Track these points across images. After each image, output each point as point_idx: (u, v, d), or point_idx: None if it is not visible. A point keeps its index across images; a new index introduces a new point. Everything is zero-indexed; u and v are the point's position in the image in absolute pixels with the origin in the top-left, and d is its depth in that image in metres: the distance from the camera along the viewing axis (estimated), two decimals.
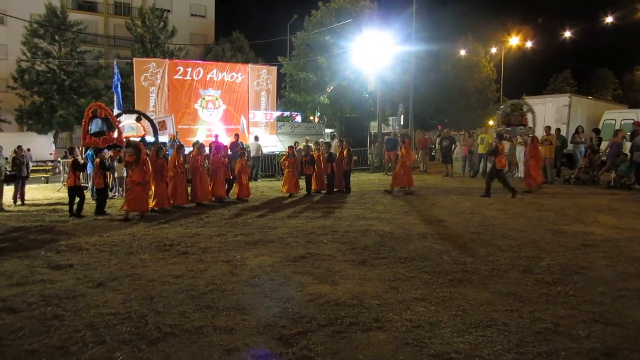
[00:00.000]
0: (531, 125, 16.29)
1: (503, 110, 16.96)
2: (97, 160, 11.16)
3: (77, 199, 10.68)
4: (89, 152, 12.99)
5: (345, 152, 13.82)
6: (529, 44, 40.54)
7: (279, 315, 4.36)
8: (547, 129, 15.01)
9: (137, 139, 12.75)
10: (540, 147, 14.85)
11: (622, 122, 16.96)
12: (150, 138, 14.32)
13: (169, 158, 11.60)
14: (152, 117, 17.32)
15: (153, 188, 10.83)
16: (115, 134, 12.22)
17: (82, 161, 11.58)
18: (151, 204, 10.69)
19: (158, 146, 11.39)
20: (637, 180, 13.27)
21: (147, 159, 10.37)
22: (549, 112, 18.20)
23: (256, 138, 19.52)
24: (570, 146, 16.62)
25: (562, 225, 8.37)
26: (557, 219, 9.02)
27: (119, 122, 13.12)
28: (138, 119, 13.79)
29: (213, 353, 3.61)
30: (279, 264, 6.11)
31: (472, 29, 45.02)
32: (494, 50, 43.70)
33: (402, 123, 27.75)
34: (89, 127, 11.89)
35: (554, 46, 42.83)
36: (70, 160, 10.82)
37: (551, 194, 12.48)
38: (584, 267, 5.80)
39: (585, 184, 14.40)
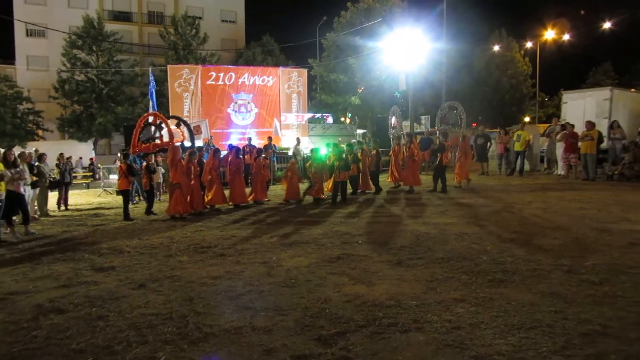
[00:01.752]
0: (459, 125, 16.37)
1: (441, 110, 16.90)
2: (144, 164, 11.72)
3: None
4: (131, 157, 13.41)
5: (374, 152, 13.87)
6: (565, 37, 39.35)
7: (317, 315, 4.36)
8: (588, 124, 14.50)
9: (177, 144, 13.14)
10: (581, 143, 14.44)
11: None
12: (188, 143, 14.66)
13: (205, 162, 11.88)
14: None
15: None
16: (166, 139, 12.63)
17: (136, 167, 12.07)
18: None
19: (191, 150, 11.69)
20: None
21: (181, 161, 10.68)
22: (589, 106, 17.57)
23: (298, 141, 19.59)
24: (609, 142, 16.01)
25: (606, 224, 8.06)
26: (601, 217, 8.69)
27: (162, 127, 13.60)
28: (177, 125, 14.18)
29: (253, 353, 3.64)
30: (314, 264, 6.11)
31: (505, 23, 44.11)
32: (529, 44, 42.61)
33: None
34: (140, 136, 12.34)
35: (592, 38, 41.46)
36: (123, 165, 11.30)
37: (594, 191, 12.05)
38: (632, 267, 5.56)
39: (630, 180, 13.84)
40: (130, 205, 12.76)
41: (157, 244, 7.79)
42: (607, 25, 30.64)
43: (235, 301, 4.81)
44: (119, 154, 21.82)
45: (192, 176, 11.02)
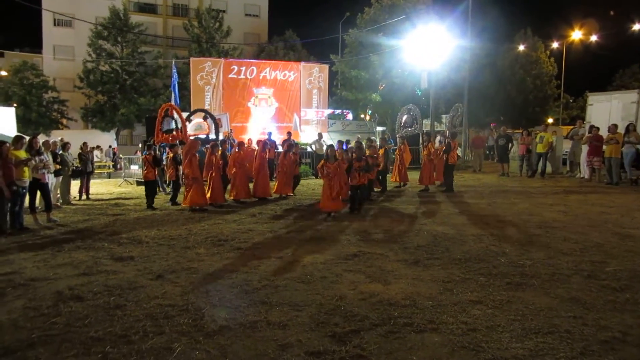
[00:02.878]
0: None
1: (453, 111, 16.90)
2: (171, 154, 12.06)
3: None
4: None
5: (381, 151, 13.77)
6: (593, 38, 38.48)
7: (332, 312, 4.36)
8: (613, 127, 14.17)
9: (203, 136, 13.44)
10: (605, 146, 14.12)
11: None
12: (213, 136, 14.86)
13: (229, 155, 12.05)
14: None
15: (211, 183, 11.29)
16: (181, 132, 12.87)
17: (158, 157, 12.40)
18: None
19: (214, 143, 11.91)
20: None
21: (195, 155, 10.79)
22: (614, 109, 17.17)
23: (320, 136, 19.54)
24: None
25: (629, 229, 7.89)
26: (624, 222, 8.51)
27: (190, 120, 13.86)
28: (204, 118, 14.35)
29: (267, 348, 3.66)
30: (330, 261, 6.11)
31: (531, 23, 43.27)
32: (555, 45, 41.78)
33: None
34: (162, 126, 12.58)
35: (620, 40, 40.44)
36: (149, 156, 11.64)
37: (617, 196, 11.80)
38: None
39: None
40: None
41: (176, 235, 7.88)
42: (636, 26, 29.79)
43: (251, 295, 4.84)
44: (140, 145, 22.13)
45: (214, 168, 11.19)
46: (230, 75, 22.42)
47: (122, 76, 35.65)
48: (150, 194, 11.38)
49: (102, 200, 13.11)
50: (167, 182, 14.19)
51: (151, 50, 38.73)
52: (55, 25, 43.30)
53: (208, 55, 33.36)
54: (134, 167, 18.72)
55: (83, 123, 38.59)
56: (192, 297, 4.78)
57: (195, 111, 14.61)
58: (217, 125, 14.42)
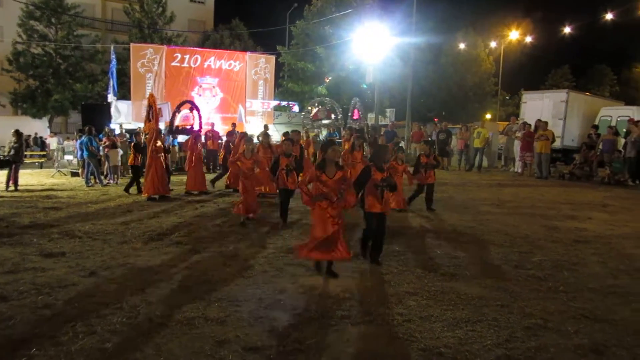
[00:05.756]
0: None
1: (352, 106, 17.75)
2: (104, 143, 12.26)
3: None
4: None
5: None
6: (528, 39, 40.48)
7: (271, 307, 4.37)
8: (544, 124, 15.01)
9: (188, 127, 13.50)
10: (536, 142, 14.93)
11: (618, 119, 16.96)
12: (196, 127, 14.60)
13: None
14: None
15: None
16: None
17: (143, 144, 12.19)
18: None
19: (196, 134, 12.23)
20: (631, 177, 13.36)
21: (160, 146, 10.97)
22: (546, 107, 18.16)
23: (265, 127, 19.27)
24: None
25: (555, 221, 8.41)
26: (550, 214, 9.06)
27: (180, 110, 13.72)
28: (190, 110, 14.00)
29: (204, 345, 3.61)
30: (272, 255, 6.11)
31: (472, 22, 44.78)
32: (493, 44, 43.54)
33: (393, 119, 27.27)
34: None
35: (553, 41, 42.71)
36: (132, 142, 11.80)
37: (546, 189, 12.52)
38: (576, 264, 5.84)
39: (580, 179, 14.45)
40: (86, 188, 12.50)
41: (112, 229, 7.58)
42: (567, 30, 31.66)
43: (189, 291, 4.76)
44: (75, 133, 21.08)
45: (194, 158, 11.57)
46: (173, 64, 21.77)
47: (56, 60, 33.67)
48: (133, 179, 11.64)
49: (33, 192, 12.38)
50: (105, 173, 13.83)
51: (88, 34, 36.78)
52: None
53: (150, 42, 32.15)
54: (69, 157, 17.78)
55: (12, 109, 36.19)
56: (127, 294, 4.63)
57: (183, 103, 14.31)
58: (200, 117, 14.15)
